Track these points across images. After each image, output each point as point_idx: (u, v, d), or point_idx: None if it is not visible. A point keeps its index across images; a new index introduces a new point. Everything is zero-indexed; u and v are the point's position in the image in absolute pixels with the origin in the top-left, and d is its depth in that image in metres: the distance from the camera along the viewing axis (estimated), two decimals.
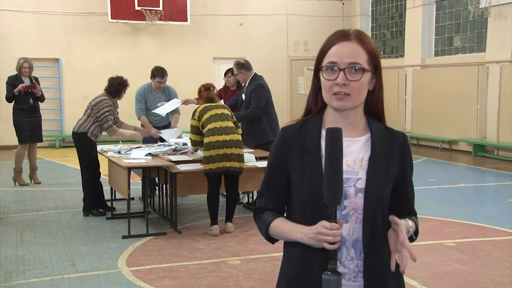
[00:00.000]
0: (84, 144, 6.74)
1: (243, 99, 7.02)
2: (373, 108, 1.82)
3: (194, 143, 6.01)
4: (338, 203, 1.64)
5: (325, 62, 1.75)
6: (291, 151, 1.81)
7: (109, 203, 6.85)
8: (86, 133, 6.71)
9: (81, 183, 6.86)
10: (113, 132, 6.79)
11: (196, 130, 5.90)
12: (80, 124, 6.76)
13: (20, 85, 8.27)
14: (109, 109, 6.74)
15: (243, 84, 7.20)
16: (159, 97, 7.52)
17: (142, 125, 7.55)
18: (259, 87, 6.89)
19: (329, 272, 1.62)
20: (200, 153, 6.07)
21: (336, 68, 1.72)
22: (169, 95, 7.57)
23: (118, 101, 7.05)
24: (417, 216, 1.91)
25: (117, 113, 7.04)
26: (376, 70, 1.78)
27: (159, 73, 7.45)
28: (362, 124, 1.81)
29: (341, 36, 1.76)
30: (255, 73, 7.07)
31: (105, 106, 6.71)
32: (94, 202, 6.82)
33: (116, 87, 6.83)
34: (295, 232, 1.75)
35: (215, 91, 6.24)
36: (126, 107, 13.80)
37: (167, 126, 7.67)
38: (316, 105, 1.84)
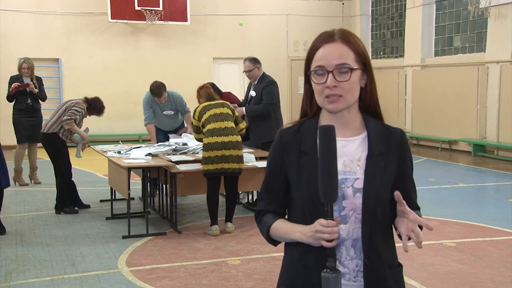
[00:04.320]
0: (56, 144, 6.84)
1: (252, 95, 6.96)
2: (368, 105, 1.82)
3: (199, 140, 6.02)
4: (334, 200, 1.64)
5: (312, 66, 1.75)
6: (288, 153, 1.81)
7: (109, 203, 6.86)
8: (57, 133, 6.78)
9: (55, 182, 7.00)
10: (72, 125, 6.77)
11: (198, 130, 5.91)
12: (50, 124, 6.85)
13: (13, 85, 8.32)
14: (81, 112, 6.88)
15: (252, 82, 7.07)
16: (164, 105, 7.42)
17: None
18: (272, 83, 6.87)
19: (328, 270, 1.62)
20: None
21: (324, 71, 1.71)
22: (174, 103, 7.45)
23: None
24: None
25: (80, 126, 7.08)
26: (365, 67, 1.77)
27: (155, 93, 7.23)
28: (357, 122, 1.80)
29: (326, 38, 1.75)
30: (264, 72, 7.05)
31: (79, 108, 6.86)
32: (68, 200, 6.97)
33: (99, 106, 7.05)
34: (294, 232, 1.75)
35: (212, 89, 6.20)
36: (127, 108, 13.86)
37: (178, 129, 7.71)
38: (311, 108, 1.84)
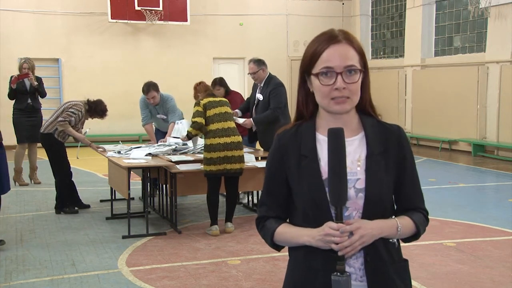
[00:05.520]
0: (52, 145, 6.81)
1: (259, 99, 6.75)
2: (363, 105, 1.81)
3: (198, 125, 5.71)
4: (343, 203, 1.65)
5: (319, 67, 1.72)
6: (288, 156, 1.80)
7: (109, 203, 6.86)
8: (52, 134, 6.75)
9: (54, 183, 6.99)
10: (65, 127, 6.71)
11: (201, 114, 5.71)
12: (47, 125, 6.85)
13: (13, 77, 8.39)
14: (77, 114, 6.82)
15: (258, 84, 6.83)
16: (157, 108, 7.41)
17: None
18: (279, 86, 6.68)
19: (338, 273, 1.63)
20: (190, 143, 6.16)
21: (332, 72, 1.70)
22: (165, 107, 7.39)
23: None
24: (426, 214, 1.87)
25: (80, 128, 6.98)
26: (364, 67, 1.77)
27: (142, 90, 7.23)
28: (355, 123, 1.80)
29: (330, 38, 1.73)
30: (270, 73, 6.86)
31: (76, 110, 6.81)
32: (68, 201, 6.95)
33: (100, 108, 6.96)
34: (301, 235, 1.74)
35: (209, 86, 6.11)
36: (127, 108, 13.85)
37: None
38: (307, 109, 1.83)
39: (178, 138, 6.80)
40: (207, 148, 5.71)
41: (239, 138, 5.82)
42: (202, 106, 5.76)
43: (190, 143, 6.50)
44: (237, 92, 7.87)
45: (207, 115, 5.75)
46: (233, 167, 5.72)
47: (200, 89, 5.99)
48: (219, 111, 5.79)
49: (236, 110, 6.85)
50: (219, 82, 7.50)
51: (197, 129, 5.79)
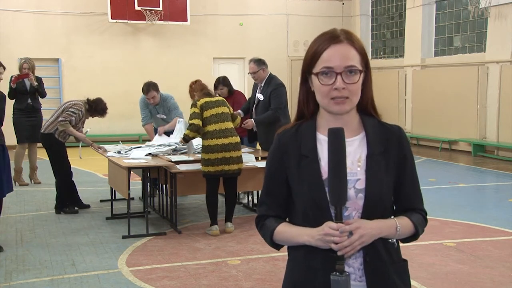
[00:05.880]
0: (53, 145, 6.81)
1: (260, 99, 6.74)
2: (365, 105, 1.81)
3: (195, 127, 5.66)
4: (343, 203, 1.65)
5: (319, 67, 1.72)
6: (288, 156, 1.80)
7: (109, 203, 6.86)
8: (53, 134, 6.75)
9: (54, 183, 7.00)
10: (66, 127, 6.70)
11: (198, 116, 5.68)
12: (47, 125, 6.85)
13: (13, 77, 8.40)
14: (78, 113, 6.81)
15: (259, 84, 6.82)
16: (157, 108, 7.42)
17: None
18: (280, 86, 6.65)
19: (337, 273, 1.63)
20: (193, 145, 6.13)
21: (332, 72, 1.70)
22: (167, 108, 7.39)
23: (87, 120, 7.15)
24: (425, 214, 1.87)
25: (81, 127, 6.98)
26: (366, 67, 1.76)
27: (142, 90, 7.25)
28: (355, 123, 1.80)
29: (331, 38, 1.73)
30: (270, 73, 6.84)
31: (76, 110, 6.80)
32: (68, 201, 6.95)
33: (100, 107, 6.94)
34: (301, 235, 1.74)
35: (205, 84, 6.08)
36: (127, 108, 13.86)
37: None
38: (308, 109, 1.83)
39: (168, 136, 6.86)
40: (205, 149, 5.70)
41: (237, 139, 5.81)
42: (198, 107, 5.73)
43: (189, 146, 6.44)
44: (241, 92, 7.86)
45: (204, 116, 5.72)
46: (231, 168, 5.71)
47: (196, 88, 5.95)
48: (216, 111, 5.76)
49: (239, 111, 6.84)
50: (223, 81, 7.50)
51: (194, 132, 5.74)
